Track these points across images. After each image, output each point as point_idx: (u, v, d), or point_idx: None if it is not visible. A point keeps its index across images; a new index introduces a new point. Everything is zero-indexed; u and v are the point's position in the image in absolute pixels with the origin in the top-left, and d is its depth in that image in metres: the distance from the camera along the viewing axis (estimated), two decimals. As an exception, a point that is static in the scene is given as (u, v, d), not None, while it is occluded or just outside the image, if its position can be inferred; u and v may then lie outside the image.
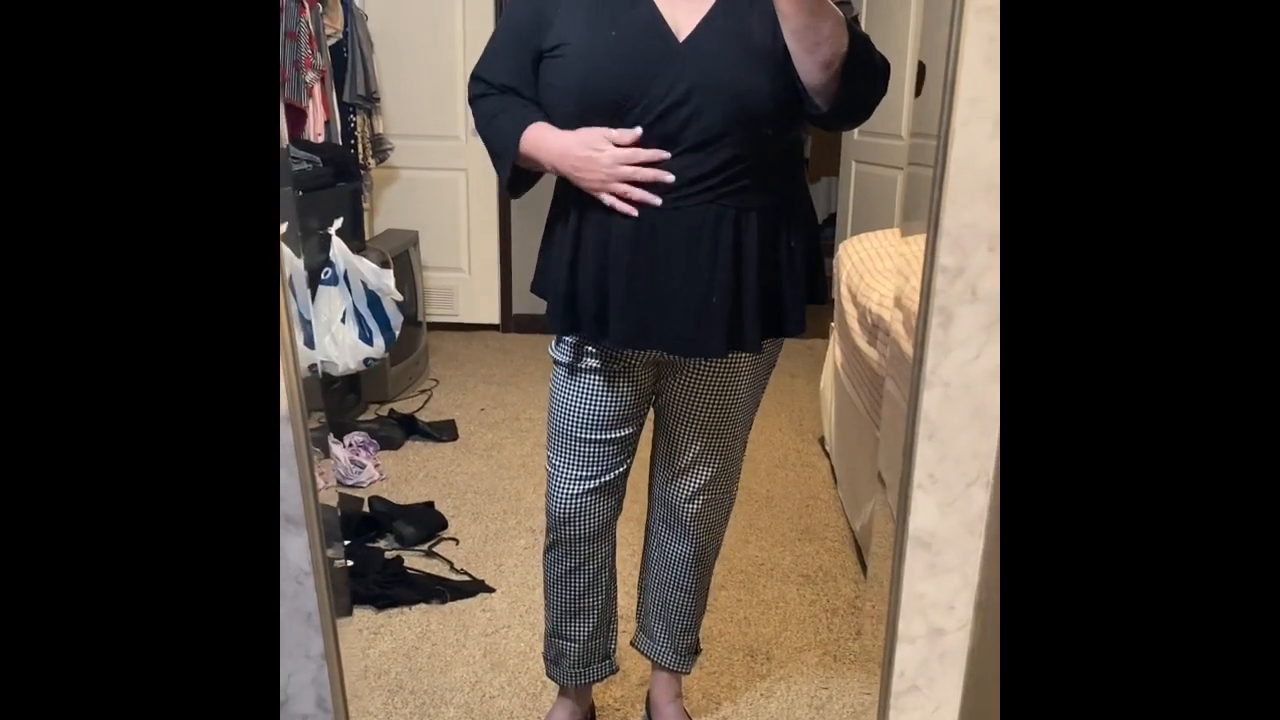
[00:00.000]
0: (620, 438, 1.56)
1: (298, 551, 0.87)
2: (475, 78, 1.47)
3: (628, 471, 1.62)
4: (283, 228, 0.85)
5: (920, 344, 0.81)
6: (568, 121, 1.36)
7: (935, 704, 0.90)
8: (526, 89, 1.40)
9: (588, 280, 1.40)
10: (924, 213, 0.87)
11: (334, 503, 2.44)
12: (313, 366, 2.76)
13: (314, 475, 0.88)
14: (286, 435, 0.83)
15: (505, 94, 1.43)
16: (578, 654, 1.74)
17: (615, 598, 1.76)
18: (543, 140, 1.37)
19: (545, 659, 1.80)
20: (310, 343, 2.82)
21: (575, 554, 1.64)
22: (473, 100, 1.48)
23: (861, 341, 2.38)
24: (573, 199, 1.41)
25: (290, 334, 0.81)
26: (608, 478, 1.58)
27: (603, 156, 1.31)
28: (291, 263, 0.93)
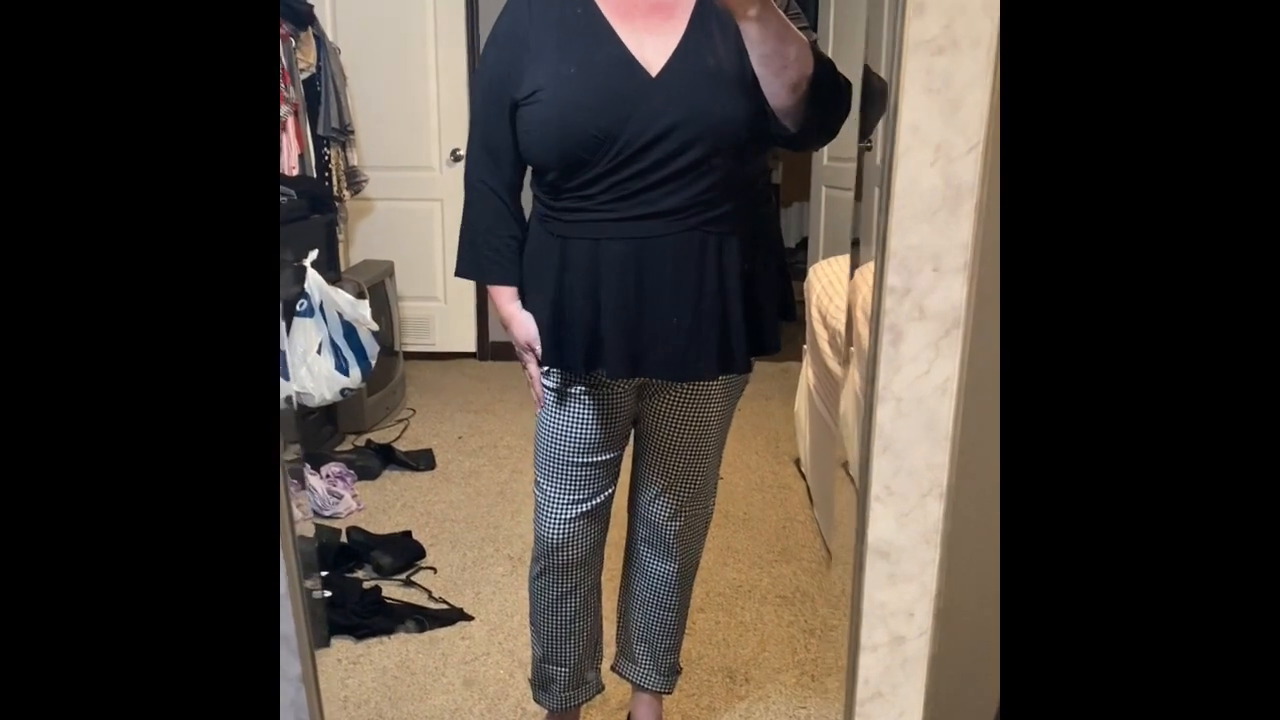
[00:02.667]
0: (608, 460, 1.58)
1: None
2: (467, 166, 1.54)
3: (614, 494, 1.64)
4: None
5: (872, 361, 0.84)
6: (548, 161, 1.38)
7: (899, 710, 0.93)
8: (508, 165, 1.47)
9: (574, 312, 1.42)
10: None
11: (310, 533, 2.44)
12: (288, 398, 2.78)
13: (289, 501, 0.89)
14: (261, 462, 0.85)
15: (496, 201, 1.50)
16: (567, 678, 1.75)
17: (601, 618, 1.78)
18: (499, 303, 1.55)
19: (533, 685, 1.80)
20: (285, 374, 2.83)
21: (567, 579, 1.65)
22: (466, 184, 1.54)
23: (832, 363, 2.41)
24: (554, 230, 1.43)
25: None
26: (598, 500, 1.60)
27: (516, 347, 1.55)
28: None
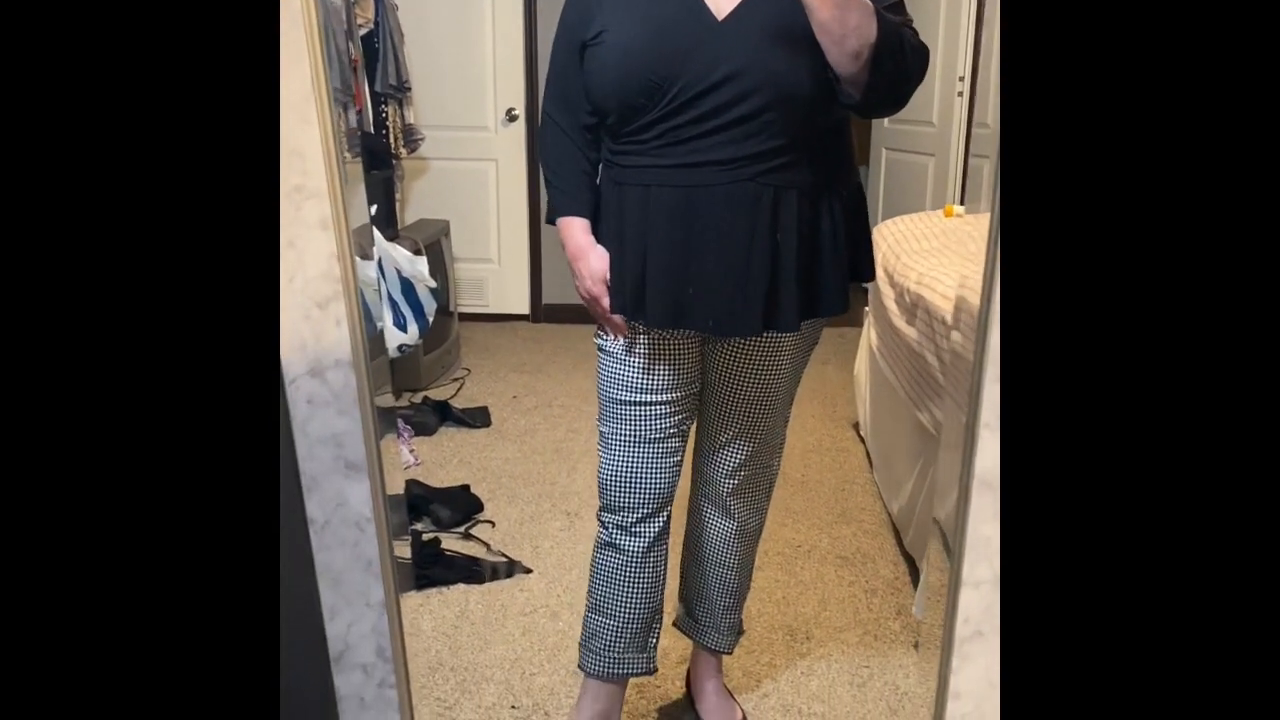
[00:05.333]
0: (668, 400, 1.53)
1: (359, 499, 0.88)
2: (543, 102, 1.53)
3: (682, 442, 1.59)
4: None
5: (988, 280, 0.80)
6: (607, 104, 1.37)
7: (1000, 650, 0.89)
8: (579, 107, 1.44)
9: (630, 257, 1.41)
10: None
11: (400, 488, 2.45)
12: (387, 344, 2.80)
13: (376, 421, 0.88)
14: (351, 381, 0.83)
15: (564, 138, 1.48)
16: (614, 634, 1.65)
17: (663, 584, 1.68)
18: (567, 235, 1.50)
19: (580, 645, 1.70)
20: (370, 321, 2.85)
21: (628, 523, 1.59)
22: (542, 123, 1.54)
23: (900, 321, 2.36)
24: (614, 176, 1.42)
25: (354, 281, 0.81)
26: (655, 437, 1.54)
27: (580, 285, 1.51)
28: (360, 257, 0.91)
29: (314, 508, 0.87)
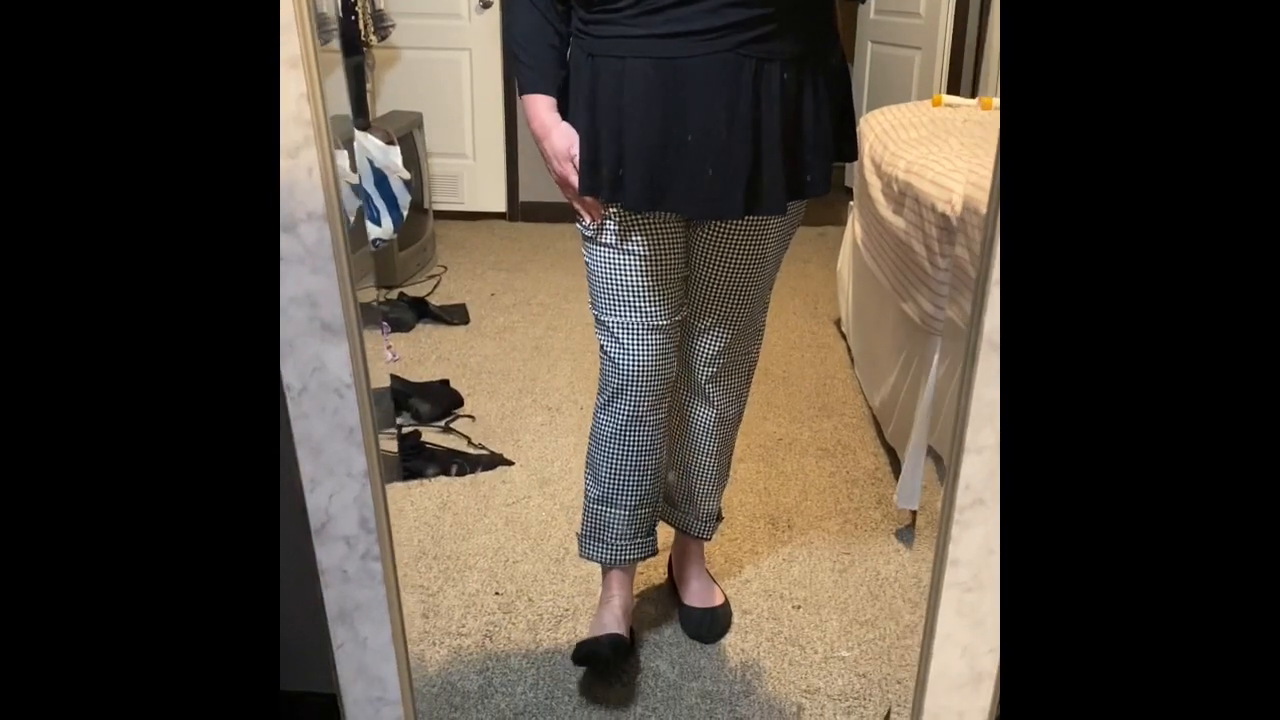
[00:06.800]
0: (665, 284, 1.50)
1: (338, 363, 0.83)
2: None
3: (678, 326, 1.56)
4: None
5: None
6: None
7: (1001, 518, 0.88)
8: None
9: (607, 137, 1.35)
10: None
11: (386, 380, 2.40)
12: (374, 241, 2.71)
13: (353, 282, 0.83)
14: (324, 235, 0.78)
15: (532, 9, 1.40)
16: (625, 522, 1.65)
17: (663, 471, 1.68)
18: (532, 113, 1.43)
19: (583, 538, 1.69)
20: (376, 219, 2.77)
21: (639, 404, 1.55)
22: None
23: (887, 212, 2.31)
24: (586, 48, 1.35)
25: (326, 126, 0.76)
26: (663, 319, 1.51)
27: (549, 166, 1.44)
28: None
29: (290, 373, 0.83)
